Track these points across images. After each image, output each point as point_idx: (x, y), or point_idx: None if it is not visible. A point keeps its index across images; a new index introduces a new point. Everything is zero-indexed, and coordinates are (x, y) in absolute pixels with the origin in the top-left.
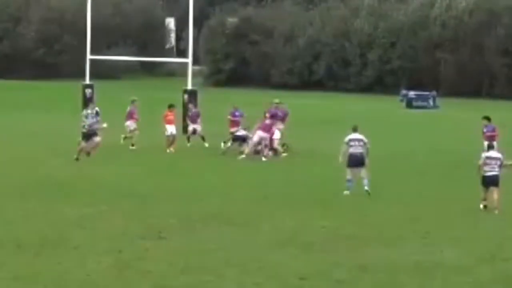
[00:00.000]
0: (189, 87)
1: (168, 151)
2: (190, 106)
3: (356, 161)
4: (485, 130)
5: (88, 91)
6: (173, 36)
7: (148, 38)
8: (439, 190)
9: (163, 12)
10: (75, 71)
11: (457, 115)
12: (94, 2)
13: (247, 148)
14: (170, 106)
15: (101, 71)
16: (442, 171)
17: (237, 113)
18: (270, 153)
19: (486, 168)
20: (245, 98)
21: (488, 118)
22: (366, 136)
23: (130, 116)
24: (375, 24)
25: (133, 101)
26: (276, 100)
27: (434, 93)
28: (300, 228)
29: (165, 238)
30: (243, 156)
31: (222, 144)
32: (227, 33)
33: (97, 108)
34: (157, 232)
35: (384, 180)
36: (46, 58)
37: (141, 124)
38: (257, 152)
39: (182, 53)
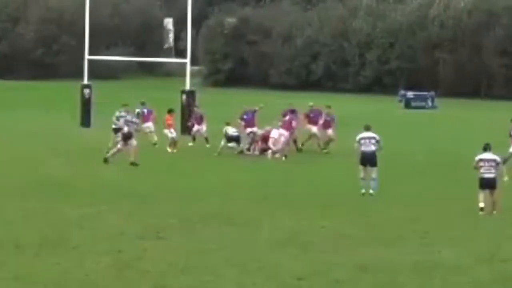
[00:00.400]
0: (188, 87)
1: (170, 150)
2: (195, 108)
3: (367, 159)
4: None
5: (86, 91)
6: (171, 36)
7: (147, 39)
8: (438, 190)
9: (161, 12)
10: (73, 71)
11: (455, 115)
12: (93, 3)
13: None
14: (170, 111)
15: (100, 71)
16: (441, 172)
17: (245, 116)
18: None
19: (482, 170)
20: (244, 98)
21: None
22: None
23: (148, 118)
24: (373, 24)
25: (142, 103)
26: (311, 103)
27: (432, 93)
28: (299, 228)
29: (164, 238)
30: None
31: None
32: (225, 33)
33: (138, 110)
34: (156, 232)
35: (383, 180)
36: (45, 58)
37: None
38: (264, 151)
39: (181, 53)
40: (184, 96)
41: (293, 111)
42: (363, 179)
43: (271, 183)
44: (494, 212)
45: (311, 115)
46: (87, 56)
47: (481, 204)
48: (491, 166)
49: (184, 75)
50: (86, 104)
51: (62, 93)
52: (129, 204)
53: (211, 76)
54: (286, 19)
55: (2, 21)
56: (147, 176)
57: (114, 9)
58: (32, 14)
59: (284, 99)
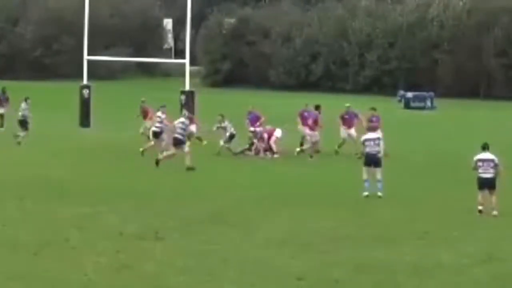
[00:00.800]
0: (187, 87)
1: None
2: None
3: (371, 160)
4: None
5: (85, 91)
6: (170, 36)
7: (146, 39)
8: (437, 190)
9: (160, 13)
10: (73, 72)
11: (454, 116)
12: (92, 3)
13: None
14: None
15: (99, 72)
16: (440, 172)
17: (249, 116)
18: (268, 153)
19: (480, 170)
20: (243, 98)
21: None
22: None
23: (149, 115)
24: (373, 24)
25: (143, 101)
26: (347, 104)
27: (431, 93)
28: (298, 228)
29: (163, 238)
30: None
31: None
32: (224, 34)
33: (186, 112)
34: (155, 232)
35: (383, 180)
36: (44, 58)
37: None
38: (266, 150)
39: (180, 53)
40: (183, 97)
41: (317, 107)
42: (366, 181)
43: (271, 183)
44: (494, 212)
45: (346, 116)
46: (86, 57)
47: (480, 207)
48: (489, 166)
49: (183, 75)
50: (85, 105)
51: (62, 94)
52: (128, 204)
53: (210, 77)
54: (286, 19)
55: (2, 21)
56: (146, 176)
57: (114, 9)
58: (31, 15)
59: (284, 99)
